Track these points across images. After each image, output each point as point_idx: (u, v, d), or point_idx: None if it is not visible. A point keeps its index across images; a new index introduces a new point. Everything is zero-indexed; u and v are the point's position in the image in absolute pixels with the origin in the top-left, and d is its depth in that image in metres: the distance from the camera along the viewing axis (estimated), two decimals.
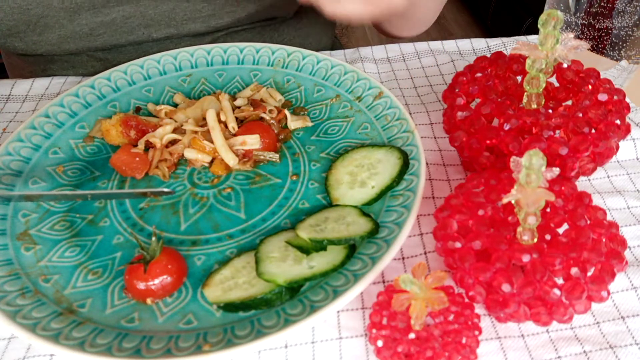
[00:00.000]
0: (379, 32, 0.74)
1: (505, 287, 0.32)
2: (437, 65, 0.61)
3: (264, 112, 0.52)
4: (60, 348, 0.34)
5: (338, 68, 0.55)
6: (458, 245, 0.34)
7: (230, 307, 0.37)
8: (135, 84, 0.56)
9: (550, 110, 0.40)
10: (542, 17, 0.37)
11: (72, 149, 0.51)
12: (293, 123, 0.52)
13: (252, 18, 0.65)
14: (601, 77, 0.42)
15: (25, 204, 0.45)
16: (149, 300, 0.38)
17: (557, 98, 0.43)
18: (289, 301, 0.37)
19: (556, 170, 0.32)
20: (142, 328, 0.36)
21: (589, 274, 0.33)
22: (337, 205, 0.43)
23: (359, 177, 0.45)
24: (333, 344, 0.37)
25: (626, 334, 0.36)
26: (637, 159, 0.49)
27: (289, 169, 0.48)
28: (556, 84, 0.44)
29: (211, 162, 0.49)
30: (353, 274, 0.37)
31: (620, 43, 0.49)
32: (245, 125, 0.50)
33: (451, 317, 0.34)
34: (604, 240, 0.34)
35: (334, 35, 0.85)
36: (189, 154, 0.49)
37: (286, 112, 0.52)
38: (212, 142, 0.49)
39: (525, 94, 0.41)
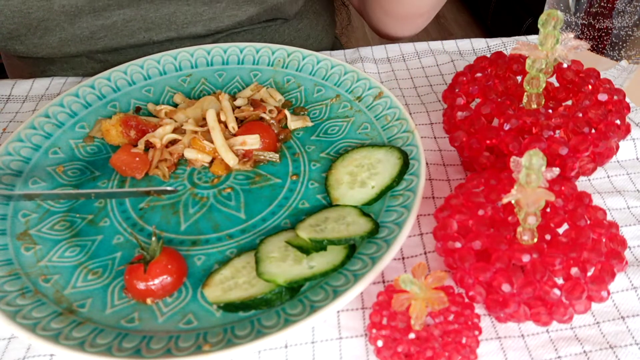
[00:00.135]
0: (376, 34, 0.73)
1: (505, 287, 0.32)
2: (437, 65, 0.61)
3: (264, 112, 0.52)
4: (60, 348, 0.34)
5: (338, 68, 0.55)
6: (458, 245, 0.34)
7: (230, 307, 0.37)
8: (135, 84, 0.56)
9: (550, 110, 0.40)
10: (542, 17, 0.37)
11: (72, 149, 0.51)
12: (293, 123, 0.52)
13: (253, 20, 0.65)
14: (601, 77, 0.42)
15: (25, 204, 0.45)
16: (149, 300, 0.38)
17: (557, 98, 0.43)
18: (289, 301, 0.37)
19: (556, 170, 0.32)
20: (142, 328, 0.36)
21: (589, 274, 0.33)
22: (337, 205, 0.43)
23: (359, 177, 0.45)
24: (333, 344, 0.37)
25: (626, 334, 0.36)
26: (637, 159, 0.49)
27: (289, 169, 0.48)
28: (556, 84, 0.44)
29: (211, 162, 0.49)
30: (353, 274, 0.37)
31: (620, 43, 0.49)
32: (245, 125, 0.50)
33: (451, 317, 0.34)
34: (604, 240, 0.34)
35: (335, 35, 0.85)
36: (189, 154, 0.49)
37: (286, 112, 0.52)
38: (212, 142, 0.49)
39: (525, 94, 0.41)
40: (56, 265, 0.41)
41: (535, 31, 0.41)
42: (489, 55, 0.46)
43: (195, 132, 0.50)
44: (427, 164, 0.48)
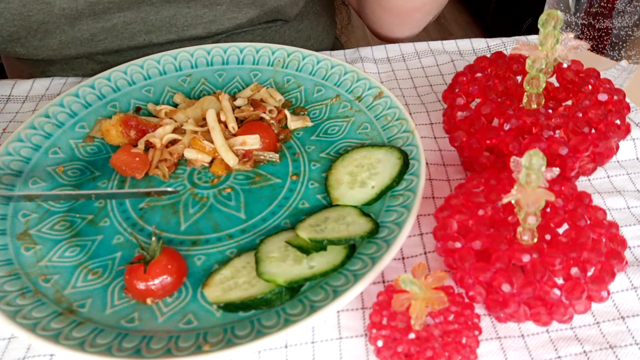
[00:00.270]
0: (375, 36, 0.73)
1: (505, 287, 0.32)
2: (437, 65, 0.61)
3: (264, 112, 0.52)
4: (60, 348, 0.34)
5: (338, 68, 0.55)
6: (458, 245, 0.34)
7: (230, 307, 0.37)
8: (135, 84, 0.56)
9: (550, 110, 0.40)
10: (542, 17, 0.37)
11: (72, 149, 0.51)
12: (293, 123, 0.52)
13: (253, 22, 0.64)
14: (601, 77, 0.42)
15: (26, 203, 0.45)
16: (149, 300, 0.38)
17: (557, 98, 0.43)
18: (289, 301, 0.37)
19: (556, 170, 0.32)
20: (142, 328, 0.36)
21: (589, 274, 0.33)
22: (337, 205, 0.43)
23: (359, 177, 0.45)
24: (333, 344, 0.37)
25: (626, 334, 0.36)
26: (637, 159, 0.49)
27: (289, 169, 0.48)
28: (556, 84, 0.44)
29: (211, 162, 0.49)
30: (353, 274, 0.37)
31: (620, 43, 0.49)
32: (245, 125, 0.50)
33: (451, 317, 0.34)
34: (604, 240, 0.34)
35: (335, 36, 0.85)
36: (189, 154, 0.49)
37: (286, 112, 0.52)
38: (212, 142, 0.49)
39: (525, 94, 0.41)
40: (56, 265, 0.41)
41: (535, 31, 0.41)
42: (489, 55, 0.46)
43: (195, 132, 0.50)
44: (427, 164, 0.48)
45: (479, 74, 0.44)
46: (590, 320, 0.37)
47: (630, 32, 0.48)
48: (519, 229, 0.34)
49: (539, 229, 0.34)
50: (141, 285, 0.38)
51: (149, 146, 0.50)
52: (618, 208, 0.44)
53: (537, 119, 0.39)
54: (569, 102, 0.43)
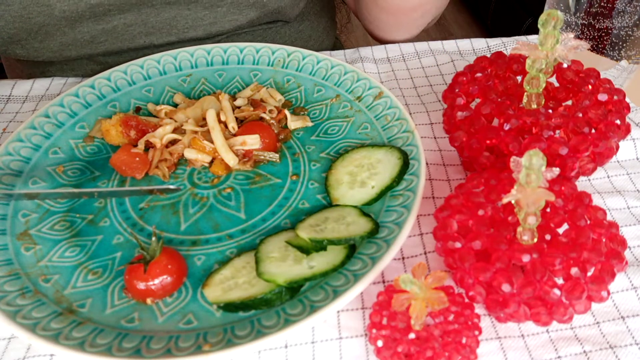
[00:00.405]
0: (374, 38, 0.72)
1: (505, 287, 0.32)
2: (437, 65, 0.61)
3: (264, 112, 0.52)
4: (60, 348, 0.34)
5: (338, 68, 0.55)
6: (458, 245, 0.34)
7: (230, 307, 0.37)
8: (135, 84, 0.56)
9: (550, 110, 0.40)
10: (542, 17, 0.37)
11: (72, 149, 0.51)
12: (293, 123, 0.52)
13: (254, 23, 0.64)
14: (601, 77, 0.42)
15: (25, 203, 0.45)
16: (149, 300, 0.38)
17: (557, 98, 0.43)
18: (289, 301, 0.37)
19: (556, 170, 0.32)
20: (142, 328, 0.36)
21: (589, 274, 0.33)
22: (337, 205, 0.43)
23: (359, 177, 0.45)
24: (333, 344, 0.37)
25: (626, 334, 0.36)
26: (637, 159, 0.49)
27: (289, 169, 0.48)
28: (556, 84, 0.44)
29: (211, 162, 0.49)
30: (353, 274, 0.37)
31: (620, 43, 0.49)
32: (245, 125, 0.50)
33: (451, 317, 0.34)
34: (604, 240, 0.34)
35: (336, 36, 0.85)
36: (189, 154, 0.49)
37: (286, 112, 0.52)
38: (212, 142, 0.49)
39: (525, 94, 0.41)
40: (56, 265, 0.41)
41: (535, 31, 0.41)
42: (489, 55, 0.46)
43: (195, 132, 0.50)
44: (427, 164, 0.48)
45: (479, 74, 0.44)
46: (590, 320, 0.37)
47: (630, 32, 0.48)
48: (519, 229, 0.34)
49: (539, 229, 0.34)
50: (141, 285, 0.38)
51: (149, 146, 0.50)
52: (618, 208, 0.44)
53: (537, 119, 0.39)
54: (569, 102, 0.43)
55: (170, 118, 0.52)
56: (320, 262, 0.38)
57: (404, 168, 0.44)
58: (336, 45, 0.84)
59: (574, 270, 0.32)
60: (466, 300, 0.35)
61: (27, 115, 0.57)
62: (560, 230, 0.34)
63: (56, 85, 0.60)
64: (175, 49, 0.59)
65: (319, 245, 0.39)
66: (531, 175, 0.31)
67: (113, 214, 0.45)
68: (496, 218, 0.36)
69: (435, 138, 0.51)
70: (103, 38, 0.60)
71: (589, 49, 0.50)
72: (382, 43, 0.69)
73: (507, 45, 0.62)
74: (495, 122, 0.41)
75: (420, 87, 0.58)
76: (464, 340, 0.33)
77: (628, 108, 0.40)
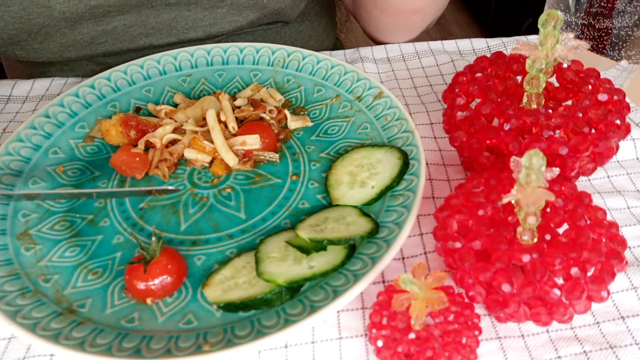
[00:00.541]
0: (373, 41, 0.72)
1: (505, 287, 0.32)
2: (437, 65, 0.61)
3: (264, 112, 0.52)
4: (60, 348, 0.34)
5: (338, 68, 0.55)
6: (458, 245, 0.34)
7: (230, 307, 0.37)
8: (135, 84, 0.56)
9: (550, 110, 0.40)
10: (542, 17, 0.37)
11: (72, 149, 0.51)
12: (293, 123, 0.52)
13: (254, 24, 0.64)
14: (601, 77, 0.42)
15: (26, 204, 0.45)
16: (149, 300, 0.38)
17: (557, 98, 0.43)
18: (289, 301, 0.37)
19: (556, 170, 0.32)
20: (142, 328, 0.36)
21: (589, 274, 0.33)
22: (337, 205, 0.43)
23: (359, 177, 0.45)
24: (333, 344, 0.37)
25: (626, 334, 0.36)
26: (637, 159, 0.49)
27: (289, 169, 0.48)
28: (556, 84, 0.44)
29: (211, 162, 0.49)
30: (353, 274, 0.37)
31: (620, 43, 0.49)
32: (245, 125, 0.50)
33: (451, 317, 0.34)
34: (604, 240, 0.34)
35: (336, 36, 0.84)
36: (189, 154, 0.49)
37: (286, 112, 0.52)
38: (212, 142, 0.49)
39: (525, 94, 0.41)
40: (56, 265, 0.41)
41: (535, 31, 0.41)
42: (489, 55, 0.46)
43: (195, 132, 0.50)
44: (427, 164, 0.48)
45: (479, 74, 0.44)
46: (590, 320, 0.37)
47: (630, 32, 0.48)
48: (519, 229, 0.34)
49: (539, 229, 0.34)
50: (141, 285, 0.38)
51: (149, 146, 0.50)
52: (618, 208, 0.44)
53: (537, 119, 0.39)
54: (569, 102, 0.43)
55: (170, 118, 0.52)
56: (320, 262, 0.38)
57: (404, 168, 0.44)
58: (336, 45, 0.84)
59: (574, 270, 0.32)
60: (466, 300, 0.35)
61: (27, 115, 0.57)
62: (560, 230, 0.34)
63: (56, 86, 0.60)
64: (175, 49, 0.59)
65: (319, 245, 0.39)
66: (531, 175, 0.31)
67: (113, 214, 0.45)
68: (496, 218, 0.36)
69: (435, 138, 0.51)
70: (103, 39, 0.60)
71: (589, 49, 0.50)
72: (381, 45, 0.69)
73: (507, 45, 0.62)
74: (495, 122, 0.41)
75: (420, 87, 0.58)
76: (464, 340, 0.33)
77: (628, 108, 0.40)
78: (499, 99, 0.41)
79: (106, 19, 0.58)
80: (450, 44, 0.64)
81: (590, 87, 0.41)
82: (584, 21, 0.49)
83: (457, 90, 0.44)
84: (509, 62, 0.44)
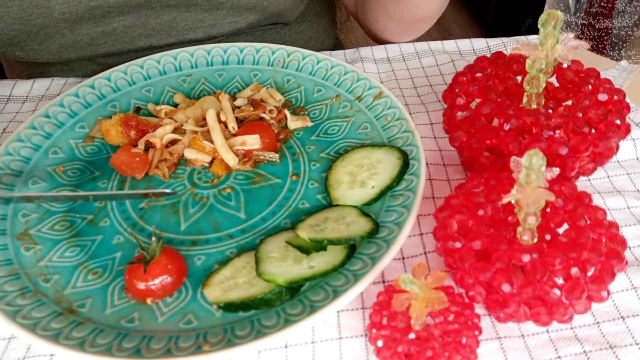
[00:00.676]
0: (373, 40, 0.72)
1: (505, 287, 0.32)
2: (437, 65, 0.61)
3: (264, 112, 0.52)
4: (60, 348, 0.34)
5: (338, 68, 0.55)
6: (458, 245, 0.34)
7: (230, 307, 0.37)
8: (135, 84, 0.56)
9: (550, 110, 0.40)
10: (542, 17, 0.37)
11: (72, 149, 0.51)
12: (293, 123, 0.52)
13: (254, 25, 0.64)
14: (601, 77, 0.42)
15: (26, 203, 0.45)
16: (149, 300, 0.38)
17: (557, 98, 0.43)
18: (289, 301, 0.37)
19: (556, 170, 0.32)
20: (142, 328, 0.36)
21: (589, 274, 0.33)
22: (337, 205, 0.43)
23: (359, 177, 0.45)
24: (333, 344, 0.37)
25: (626, 334, 0.36)
26: (637, 159, 0.49)
27: (289, 169, 0.48)
28: (556, 84, 0.44)
29: (211, 162, 0.49)
30: (353, 274, 0.37)
31: (620, 43, 0.49)
32: (245, 125, 0.50)
33: (451, 317, 0.34)
34: (604, 240, 0.34)
35: (336, 36, 0.84)
36: (189, 154, 0.49)
37: (286, 112, 0.52)
38: (212, 142, 0.49)
39: (525, 94, 0.41)
40: (56, 265, 0.41)
41: (535, 31, 0.41)
42: (489, 55, 0.46)
43: (195, 132, 0.50)
44: (427, 164, 0.48)
45: (479, 74, 0.44)
46: (590, 320, 0.37)
47: (630, 32, 0.48)
48: (519, 229, 0.34)
49: (539, 229, 0.34)
50: (141, 285, 0.38)
51: (149, 146, 0.50)
52: (618, 208, 0.44)
53: (537, 119, 0.39)
54: (569, 102, 0.43)
55: (170, 118, 0.52)
56: (320, 262, 0.38)
57: (404, 168, 0.44)
58: (336, 45, 0.84)
59: (574, 270, 0.32)
60: (466, 300, 0.35)
61: (27, 115, 0.57)
62: (560, 230, 0.34)
63: (56, 86, 0.60)
64: (175, 49, 0.59)
65: (319, 245, 0.39)
66: (531, 175, 0.31)
67: (113, 214, 0.45)
68: (496, 218, 0.36)
69: (435, 138, 0.51)
70: (102, 40, 0.60)
71: (589, 49, 0.50)
72: (381, 43, 0.69)
73: (507, 45, 0.62)
74: (495, 122, 0.41)
75: (420, 87, 0.58)
76: (464, 340, 0.33)
77: (628, 108, 0.40)
78: (499, 99, 0.41)
79: (106, 19, 0.58)
80: (450, 44, 0.64)
81: (590, 87, 0.41)
82: (584, 21, 0.49)
83: (457, 90, 0.44)
84: (509, 62, 0.44)
